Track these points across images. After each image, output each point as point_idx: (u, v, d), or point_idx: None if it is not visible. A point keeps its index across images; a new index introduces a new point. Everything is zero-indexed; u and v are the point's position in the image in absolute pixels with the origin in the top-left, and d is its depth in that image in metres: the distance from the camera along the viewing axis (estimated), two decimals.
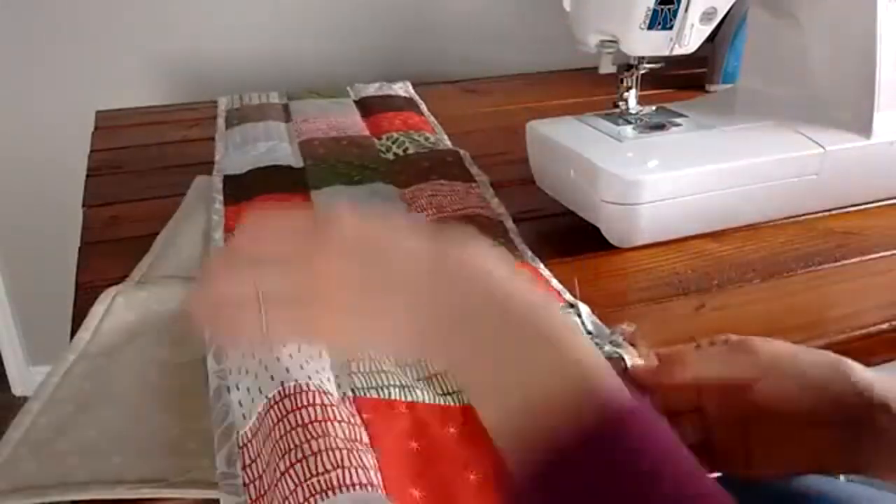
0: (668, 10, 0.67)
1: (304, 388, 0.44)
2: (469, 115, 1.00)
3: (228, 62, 1.36)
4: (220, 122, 0.99)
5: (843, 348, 0.54)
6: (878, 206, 0.73)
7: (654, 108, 0.78)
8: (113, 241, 0.69)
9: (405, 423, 0.46)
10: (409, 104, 1.04)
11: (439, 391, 0.49)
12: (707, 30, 0.71)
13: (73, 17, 1.28)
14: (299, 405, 0.42)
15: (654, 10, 0.67)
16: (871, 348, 0.55)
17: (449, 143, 0.91)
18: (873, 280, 0.62)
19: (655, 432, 0.30)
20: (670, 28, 0.69)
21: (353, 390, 0.47)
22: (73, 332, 0.54)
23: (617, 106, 0.76)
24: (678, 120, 0.75)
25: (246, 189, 0.77)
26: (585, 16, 0.71)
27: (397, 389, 0.48)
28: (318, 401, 0.43)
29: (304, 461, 0.39)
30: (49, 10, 1.27)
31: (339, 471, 0.38)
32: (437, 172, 0.81)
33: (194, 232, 0.68)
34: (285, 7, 1.35)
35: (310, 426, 0.41)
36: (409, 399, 0.47)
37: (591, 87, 1.07)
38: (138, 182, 0.83)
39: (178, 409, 0.47)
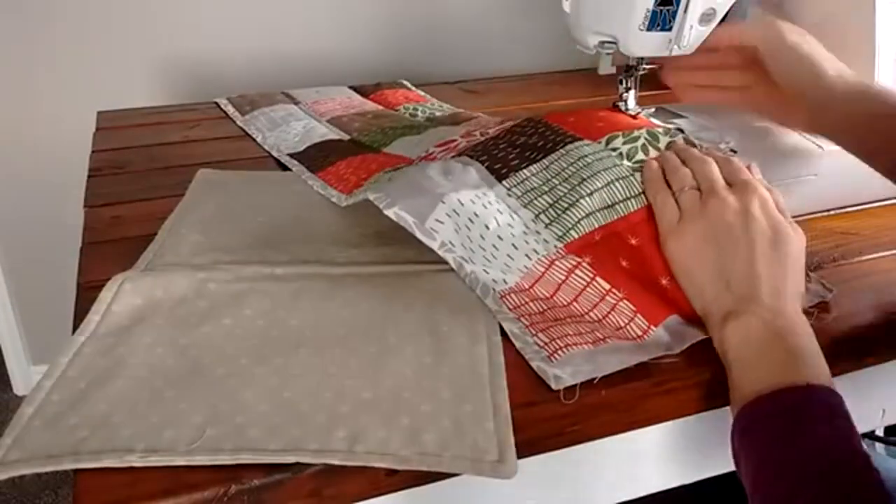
0: (667, 11, 0.67)
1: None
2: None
3: (228, 63, 1.36)
4: (231, 110, 1.05)
5: (842, 348, 0.54)
6: (878, 206, 0.73)
7: (653, 108, 0.78)
8: (114, 241, 0.70)
9: (609, 242, 0.58)
10: (397, 84, 1.14)
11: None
12: (706, 31, 0.71)
13: (75, 19, 1.28)
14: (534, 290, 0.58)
15: (653, 12, 0.67)
16: (870, 348, 0.55)
17: (459, 110, 1.01)
18: (873, 280, 0.62)
19: (833, 432, 0.42)
20: (669, 29, 0.69)
21: (558, 239, 0.59)
22: (75, 332, 0.54)
23: (616, 106, 0.77)
24: (678, 121, 0.75)
25: (320, 159, 0.82)
26: (584, 17, 0.71)
27: (584, 221, 0.59)
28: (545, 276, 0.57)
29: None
30: (50, 11, 1.27)
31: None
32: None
33: (198, 222, 0.70)
34: (285, 8, 1.35)
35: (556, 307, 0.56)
36: (598, 224, 0.59)
37: (591, 88, 1.07)
38: (140, 182, 0.83)
39: (186, 385, 0.48)
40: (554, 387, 0.48)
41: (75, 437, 0.44)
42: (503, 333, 0.53)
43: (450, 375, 0.49)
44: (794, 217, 0.71)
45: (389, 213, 0.60)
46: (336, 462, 0.43)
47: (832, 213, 0.72)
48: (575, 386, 0.48)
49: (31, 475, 0.42)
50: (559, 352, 0.50)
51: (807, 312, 0.54)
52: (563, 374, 0.48)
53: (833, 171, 0.69)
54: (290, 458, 0.43)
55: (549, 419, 0.48)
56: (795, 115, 0.66)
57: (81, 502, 0.41)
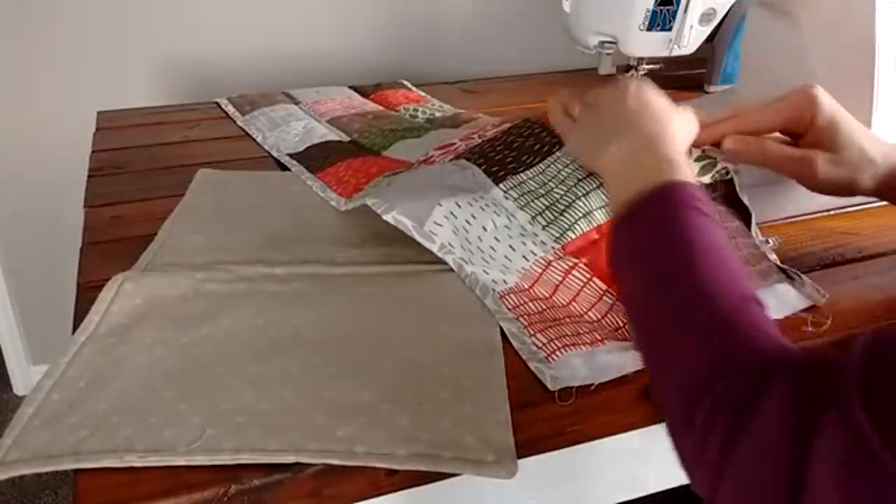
0: (668, 11, 0.68)
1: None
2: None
3: (228, 63, 1.36)
4: (232, 110, 1.05)
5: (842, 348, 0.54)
6: (878, 207, 0.73)
7: None
8: (114, 241, 0.70)
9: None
10: (397, 84, 1.14)
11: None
12: (706, 31, 0.71)
13: (75, 19, 1.28)
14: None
15: (654, 12, 0.67)
16: None
17: (459, 110, 1.00)
18: (872, 280, 0.62)
19: (704, 221, 0.44)
20: (669, 29, 0.69)
21: (555, 240, 0.59)
22: (75, 331, 0.54)
23: None
24: None
25: (320, 160, 0.82)
26: (585, 17, 0.71)
27: (581, 222, 0.59)
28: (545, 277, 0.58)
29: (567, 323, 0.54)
30: (50, 11, 1.27)
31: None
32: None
33: (198, 221, 0.70)
34: (285, 8, 1.35)
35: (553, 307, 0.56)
36: (595, 224, 0.59)
37: (591, 88, 1.07)
38: (139, 182, 0.83)
39: (186, 385, 0.48)
40: (550, 388, 0.48)
41: (75, 436, 0.44)
42: (503, 334, 0.53)
43: (449, 376, 0.49)
44: (794, 217, 0.71)
45: (388, 217, 0.60)
46: (336, 462, 0.43)
47: (832, 213, 0.72)
48: (572, 388, 0.48)
49: (31, 475, 0.42)
50: (557, 353, 0.50)
51: (800, 318, 0.55)
52: (559, 375, 0.48)
53: None
54: (289, 458, 0.43)
55: (548, 419, 0.48)
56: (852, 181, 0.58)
57: (81, 502, 0.41)
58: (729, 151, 0.59)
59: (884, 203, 0.73)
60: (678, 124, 0.55)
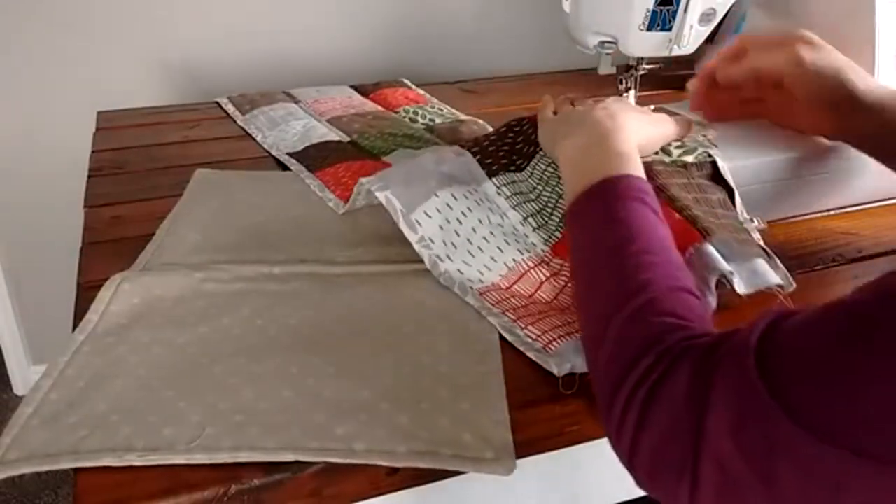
0: (667, 11, 0.68)
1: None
2: (468, 115, 1.00)
3: (228, 63, 1.36)
4: (232, 109, 1.04)
5: None
6: (878, 206, 0.73)
7: (652, 108, 0.78)
8: (114, 241, 0.70)
9: None
10: (397, 82, 1.13)
11: None
12: (706, 31, 0.71)
13: (74, 18, 1.28)
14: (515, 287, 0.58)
15: (653, 12, 0.67)
16: None
17: (458, 112, 0.99)
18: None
19: (646, 212, 0.47)
20: (669, 29, 0.69)
21: (545, 242, 0.61)
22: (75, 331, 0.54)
23: None
24: None
25: (319, 160, 0.82)
26: (584, 17, 0.71)
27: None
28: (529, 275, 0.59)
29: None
30: (50, 12, 1.27)
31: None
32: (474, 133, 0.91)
33: (196, 221, 0.70)
34: (285, 8, 1.35)
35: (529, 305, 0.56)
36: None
37: (591, 88, 1.07)
38: (139, 182, 0.83)
39: (184, 384, 0.48)
40: (557, 373, 0.48)
41: (74, 436, 0.44)
42: (501, 337, 0.53)
43: (448, 374, 0.49)
44: (794, 216, 0.71)
45: (381, 196, 0.60)
46: (335, 460, 0.43)
47: (832, 213, 0.72)
48: (574, 376, 0.48)
49: (31, 474, 0.42)
50: (553, 343, 0.50)
51: (772, 296, 0.55)
52: (563, 362, 0.49)
53: (833, 171, 0.69)
54: (289, 457, 0.43)
55: (548, 419, 0.48)
56: (820, 124, 0.65)
57: (81, 502, 0.41)
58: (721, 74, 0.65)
59: (884, 203, 0.73)
60: (637, 123, 0.58)
